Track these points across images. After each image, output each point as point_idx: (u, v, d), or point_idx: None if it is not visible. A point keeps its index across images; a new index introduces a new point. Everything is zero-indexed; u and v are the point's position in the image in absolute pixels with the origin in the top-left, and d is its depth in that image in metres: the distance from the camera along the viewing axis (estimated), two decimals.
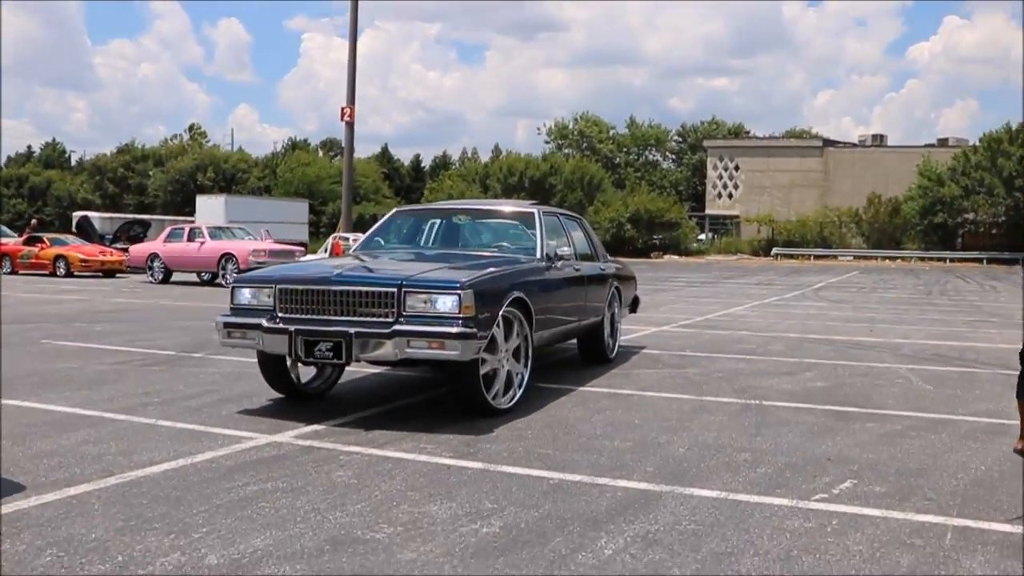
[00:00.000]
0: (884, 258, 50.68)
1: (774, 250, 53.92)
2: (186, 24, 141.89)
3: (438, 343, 5.35)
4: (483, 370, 5.78)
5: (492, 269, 6.07)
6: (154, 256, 22.30)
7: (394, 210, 7.97)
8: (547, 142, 76.83)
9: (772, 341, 10.62)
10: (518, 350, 6.21)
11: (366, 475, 4.45)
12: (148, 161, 66.98)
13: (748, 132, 76.43)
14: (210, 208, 37.37)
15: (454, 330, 5.33)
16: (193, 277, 22.71)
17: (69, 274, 24.32)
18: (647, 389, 7.06)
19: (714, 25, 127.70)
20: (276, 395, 6.49)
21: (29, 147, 78.63)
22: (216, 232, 22.75)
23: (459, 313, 5.40)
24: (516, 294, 5.99)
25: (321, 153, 76.96)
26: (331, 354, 5.52)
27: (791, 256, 52.40)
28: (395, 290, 5.49)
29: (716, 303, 17.38)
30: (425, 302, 5.47)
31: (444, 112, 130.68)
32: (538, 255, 6.88)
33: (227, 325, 5.90)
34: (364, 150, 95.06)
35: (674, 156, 78.10)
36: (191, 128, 77.32)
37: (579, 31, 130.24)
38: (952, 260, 49.20)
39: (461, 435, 5.35)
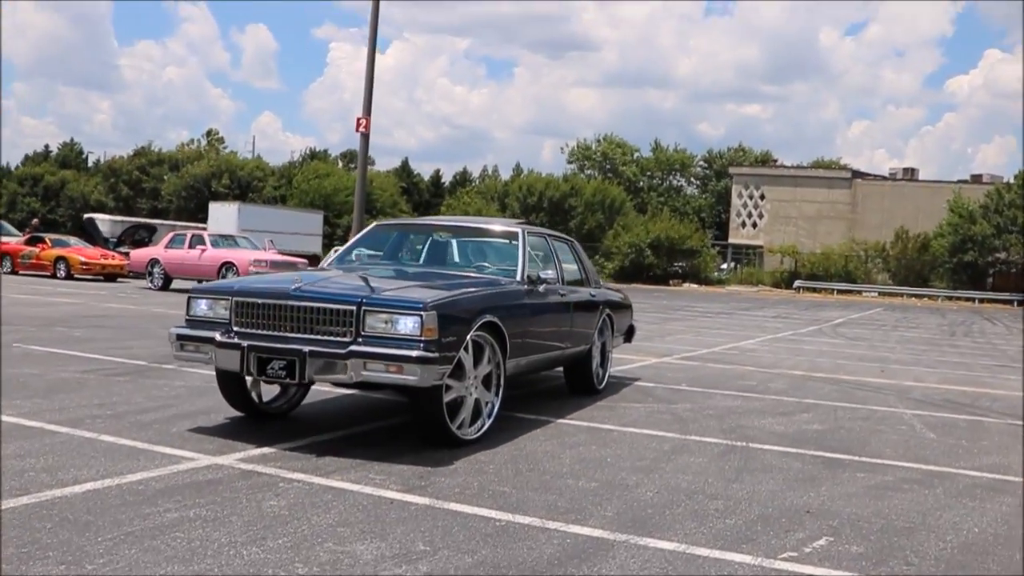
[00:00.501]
0: (910, 295, 50.04)
1: (796, 283, 53.37)
2: (214, 29, 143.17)
3: (396, 367, 5.10)
4: (448, 397, 5.53)
5: (462, 290, 5.83)
6: (154, 262, 22.21)
7: (374, 224, 7.76)
8: (570, 163, 76.78)
9: (775, 378, 10.30)
10: (489, 377, 5.96)
11: (300, 506, 4.20)
12: (164, 165, 67.31)
13: (775, 161, 76.04)
14: (223, 215, 37.28)
15: (414, 354, 5.08)
16: (194, 285, 22.59)
17: (69, 276, 24.31)
18: (629, 424, 6.78)
19: (748, 50, 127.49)
20: (236, 413, 6.26)
21: (47, 146, 79.30)
22: (218, 240, 22.65)
23: (420, 336, 5.14)
24: (488, 318, 5.74)
25: (341, 164, 77.16)
26: (284, 373, 5.28)
27: (813, 289, 51.85)
28: (354, 308, 5.25)
29: (726, 335, 17.05)
30: (386, 322, 5.22)
31: (470, 128, 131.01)
32: (518, 277, 6.63)
33: (180, 337, 5.67)
34: (387, 163, 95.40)
35: (698, 182, 77.78)
36: (208, 133, 77.82)
37: (611, 51, 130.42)
38: (981, 300, 48.46)
39: (417, 466, 5.09)
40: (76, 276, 24.35)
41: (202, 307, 5.72)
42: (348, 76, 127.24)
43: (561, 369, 8.17)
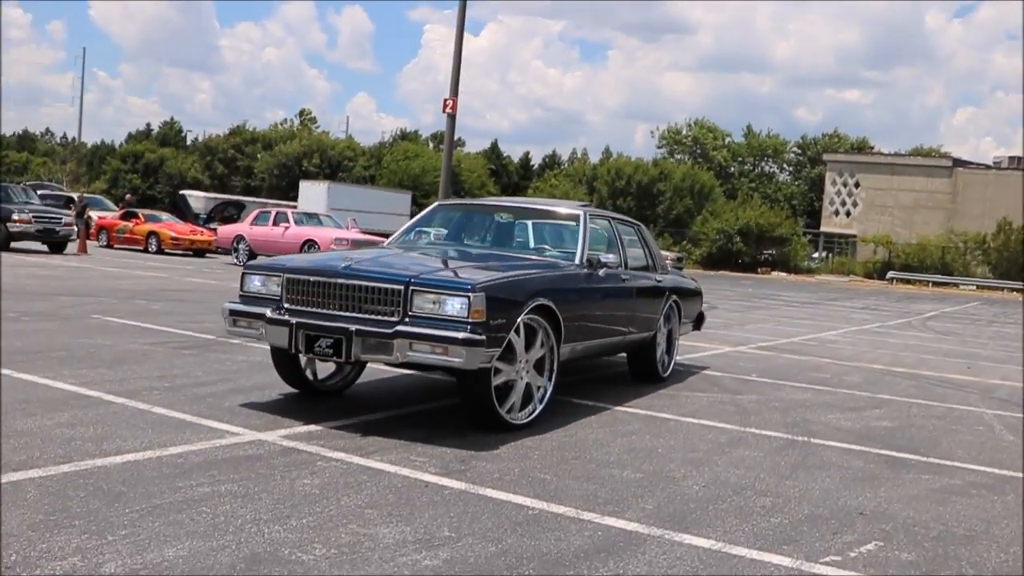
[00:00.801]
0: (1011, 290, 48.01)
1: (889, 274, 51.73)
2: (311, 10, 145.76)
3: (442, 348, 5.02)
4: (497, 381, 5.44)
5: (515, 272, 5.71)
6: (240, 238, 22.69)
7: (436, 203, 7.69)
8: (659, 147, 75.77)
9: (851, 372, 9.93)
10: (542, 362, 5.85)
11: (332, 486, 4.17)
12: (257, 144, 68.69)
13: (872, 148, 73.68)
14: (313, 194, 37.85)
15: (460, 335, 5.00)
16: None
17: (160, 251, 25.03)
18: (689, 414, 6.59)
19: (849, 34, 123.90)
20: (290, 389, 6.29)
21: (148, 125, 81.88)
22: (301, 218, 23.01)
23: (467, 317, 5.06)
24: (541, 301, 5.62)
25: (431, 146, 77.62)
26: (331, 351, 5.26)
27: (907, 281, 50.18)
28: (402, 288, 5.19)
29: (808, 326, 16.58)
30: (434, 303, 5.15)
31: (563, 111, 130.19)
32: (577, 260, 6.48)
33: (232, 313, 5.70)
34: (478, 145, 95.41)
35: (791, 169, 75.87)
36: (301, 113, 79.08)
37: (706, 34, 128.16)
38: None
39: (460, 449, 5.02)
40: (166, 251, 25.06)
41: (255, 283, 5.74)
42: (442, 58, 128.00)
43: (624, 355, 8.01)
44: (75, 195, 30.62)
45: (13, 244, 19.99)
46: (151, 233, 25.28)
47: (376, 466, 4.56)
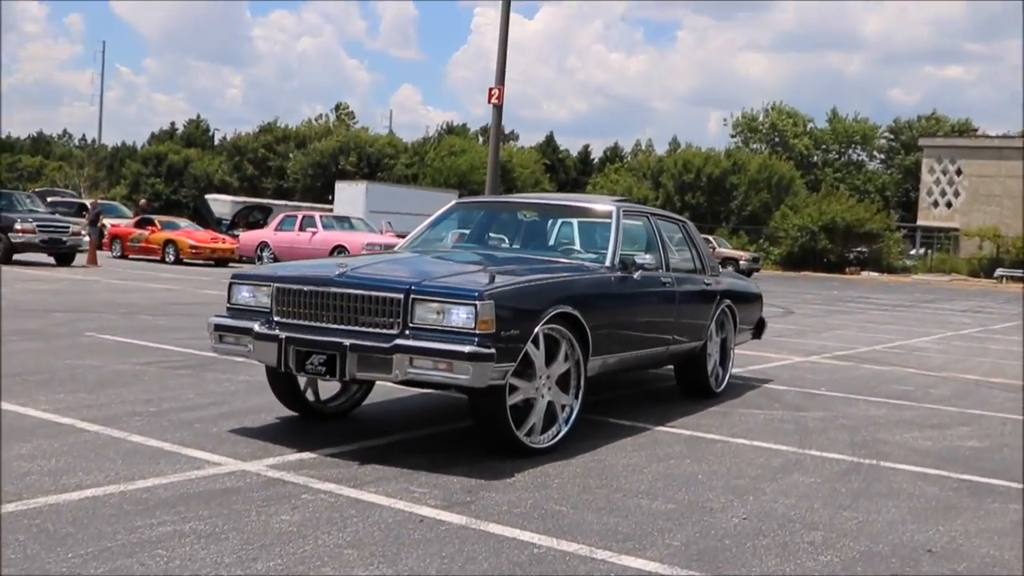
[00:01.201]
0: None
1: (998, 271, 50.49)
2: None
3: (446, 364, 4.88)
4: (513, 400, 5.29)
5: (531, 277, 5.55)
6: (263, 245, 22.89)
7: (454, 201, 7.58)
8: (733, 136, 74.94)
9: (940, 383, 9.59)
10: (567, 377, 5.68)
11: (314, 522, 4.05)
12: (290, 142, 69.41)
13: (975, 130, 72.04)
14: (349, 195, 37.77)
15: (466, 349, 4.85)
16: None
17: (178, 260, 25.29)
18: (740, 435, 6.37)
19: (948, 3, 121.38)
20: (290, 412, 6.22)
21: (172, 124, 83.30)
22: (330, 222, 23.11)
23: (474, 328, 4.92)
24: (562, 309, 5.45)
25: (480, 140, 77.61)
26: (324, 369, 5.15)
27: (1019, 279, 48.89)
28: (402, 296, 5.06)
29: (896, 332, 16.15)
30: (438, 312, 5.01)
31: (627, 98, 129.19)
32: (608, 263, 6.31)
33: (218, 328, 5.63)
34: (533, 138, 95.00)
35: (882, 156, 74.50)
36: (337, 107, 79.75)
37: (786, 9, 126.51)
38: None
39: (470, 478, 4.87)
40: (185, 260, 25.29)
41: (244, 294, 5.67)
42: (494, 44, 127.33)
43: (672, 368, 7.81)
44: (88, 202, 31.15)
45: (16, 256, 20.30)
46: (168, 241, 25.55)
47: (368, 498, 4.44)
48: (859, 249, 54.30)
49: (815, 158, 73.12)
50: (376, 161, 64.15)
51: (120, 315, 11.85)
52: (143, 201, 35.90)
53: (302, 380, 6.00)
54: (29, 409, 5.98)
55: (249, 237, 24.32)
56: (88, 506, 4.10)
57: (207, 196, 40.42)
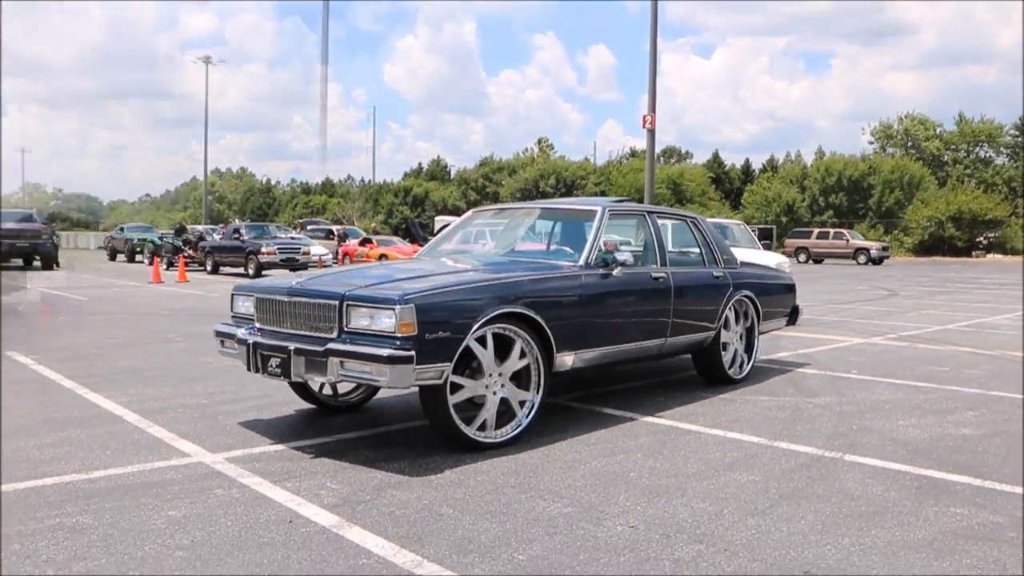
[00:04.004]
0: None
1: None
2: (562, 53, 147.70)
3: (371, 366, 4.08)
4: (458, 398, 4.40)
5: (470, 280, 4.61)
6: None
7: (471, 211, 6.70)
8: (871, 143, 69.16)
9: (982, 362, 7.82)
10: (526, 373, 4.72)
11: (195, 519, 3.32)
12: (503, 172, 70.02)
13: None
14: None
15: (384, 352, 4.02)
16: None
17: None
18: (721, 426, 5.16)
19: None
20: (307, 405, 5.57)
21: (419, 164, 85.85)
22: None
23: (395, 332, 4.08)
24: (510, 308, 4.51)
25: (662, 161, 75.42)
26: (280, 371, 4.45)
27: None
28: (336, 303, 4.29)
29: (984, 310, 13.82)
30: (370, 318, 4.20)
31: (791, 119, 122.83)
32: (581, 261, 5.26)
33: (218, 334, 5.04)
34: (706, 158, 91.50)
35: (1008, 151, 66.45)
36: (539, 141, 79.65)
37: (928, 32, 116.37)
38: None
39: (396, 474, 4.03)
40: None
41: (239, 304, 5.06)
42: (676, 82, 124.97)
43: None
44: (335, 227, 31.94)
45: (264, 272, 21.23)
46: (382, 256, 25.84)
47: (270, 494, 3.68)
48: (990, 235, 48.74)
49: (945, 157, 66.26)
50: (571, 182, 63.65)
51: None
52: (336, 227, 34.16)
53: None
54: (108, 401, 5.62)
55: (410, 249, 24.30)
56: (22, 496, 3.53)
57: (439, 217, 40.59)
